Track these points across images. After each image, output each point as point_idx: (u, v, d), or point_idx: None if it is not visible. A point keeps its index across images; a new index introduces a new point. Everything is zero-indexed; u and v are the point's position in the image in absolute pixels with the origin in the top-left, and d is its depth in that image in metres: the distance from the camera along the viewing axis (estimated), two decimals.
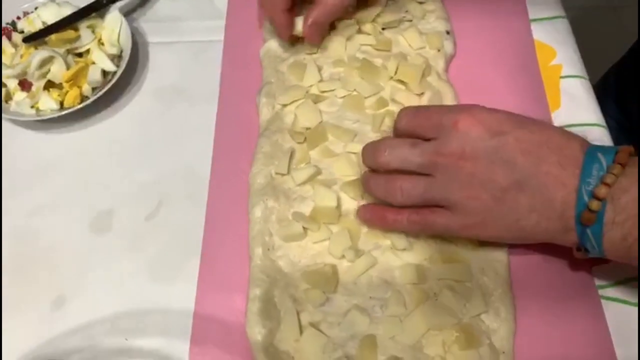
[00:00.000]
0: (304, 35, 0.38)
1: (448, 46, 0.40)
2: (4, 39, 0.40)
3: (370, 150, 0.32)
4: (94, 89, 0.39)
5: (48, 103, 0.37)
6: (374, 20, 0.40)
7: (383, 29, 0.40)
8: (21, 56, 0.39)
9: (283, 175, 0.35)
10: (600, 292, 0.31)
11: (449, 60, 0.40)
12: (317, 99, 0.37)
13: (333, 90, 0.38)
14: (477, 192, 0.28)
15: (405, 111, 0.32)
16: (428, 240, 0.32)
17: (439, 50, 0.40)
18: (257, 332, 0.30)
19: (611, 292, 0.32)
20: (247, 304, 0.31)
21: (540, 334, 0.30)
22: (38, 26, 0.40)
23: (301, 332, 0.30)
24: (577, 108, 0.39)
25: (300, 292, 0.31)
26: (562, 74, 0.41)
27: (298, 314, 0.30)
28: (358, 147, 0.35)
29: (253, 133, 0.37)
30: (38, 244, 0.34)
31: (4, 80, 0.38)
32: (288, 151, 0.35)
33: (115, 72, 0.39)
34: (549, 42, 0.42)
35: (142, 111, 0.39)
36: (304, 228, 0.32)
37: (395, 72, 0.38)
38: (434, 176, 0.29)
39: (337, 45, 0.39)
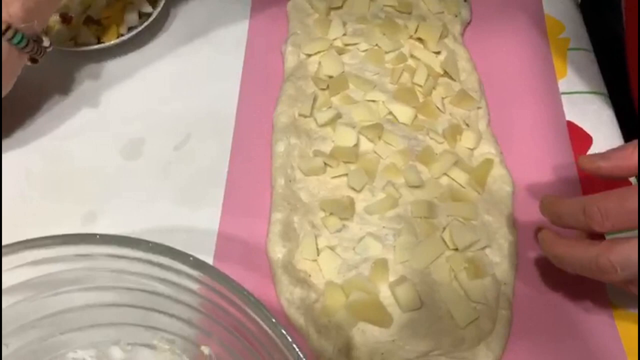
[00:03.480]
0: None
1: (465, 12, 0.43)
2: None
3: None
4: (130, 28, 0.41)
5: (87, 37, 0.39)
6: None
7: None
8: None
9: (306, 117, 0.37)
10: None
11: (464, 25, 0.43)
12: (340, 51, 0.40)
13: (356, 44, 0.40)
14: None
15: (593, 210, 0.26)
16: (439, 180, 0.35)
17: (456, 16, 0.42)
18: (277, 251, 0.32)
19: None
20: (268, 226, 0.33)
21: (539, 271, 0.33)
22: None
23: (318, 253, 0.32)
24: (581, 77, 0.42)
25: (318, 219, 0.33)
26: (570, 47, 0.44)
27: (315, 238, 0.32)
28: (377, 96, 0.38)
29: (278, 79, 0.40)
30: (71, 164, 0.36)
31: None
32: (311, 95, 0.38)
33: (150, 14, 0.41)
34: (558, 17, 0.45)
35: (173, 53, 0.41)
36: (324, 163, 0.35)
37: (415, 31, 0.40)
38: None
39: (361, 3, 0.42)
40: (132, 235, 0.33)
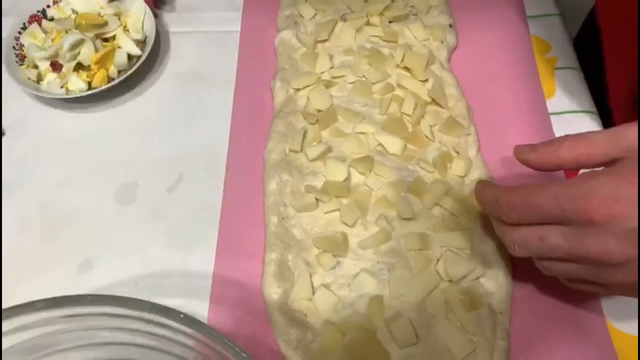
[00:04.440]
0: None
1: (450, 38, 0.43)
2: (34, 25, 0.43)
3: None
4: (119, 71, 0.41)
5: (77, 83, 0.40)
6: (381, 14, 0.43)
7: (390, 22, 0.43)
8: (52, 40, 0.41)
9: (296, 152, 0.37)
10: None
11: (451, 51, 0.43)
12: (328, 84, 0.40)
13: (343, 76, 0.41)
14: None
15: (508, 198, 0.27)
16: (432, 210, 0.35)
17: (442, 42, 0.43)
18: (272, 292, 0.32)
19: None
20: (263, 267, 0.33)
21: (535, 298, 0.32)
22: (68, 13, 0.43)
23: (313, 292, 0.32)
24: (570, 97, 0.42)
25: (312, 257, 0.33)
26: (557, 66, 0.44)
27: (310, 276, 0.33)
28: (366, 128, 0.38)
29: (268, 115, 0.40)
30: (65, 213, 0.37)
31: (36, 62, 0.41)
32: (301, 130, 0.38)
33: (139, 57, 0.41)
34: (544, 37, 0.45)
35: (163, 94, 0.42)
36: (316, 199, 0.35)
37: (402, 60, 0.41)
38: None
39: (347, 36, 0.42)
40: (129, 281, 0.34)
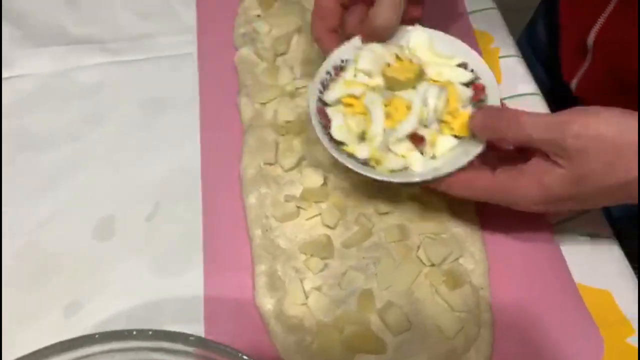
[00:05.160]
0: (373, 35, 0.34)
1: None
2: None
3: None
4: None
5: None
6: None
7: None
8: None
9: (271, 164, 0.38)
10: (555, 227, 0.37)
11: None
12: (293, 95, 0.41)
13: (306, 86, 0.42)
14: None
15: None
16: (407, 203, 0.36)
17: None
18: (266, 303, 0.33)
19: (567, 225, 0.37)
20: (254, 280, 0.34)
21: (509, 269, 0.35)
22: None
23: (306, 296, 0.33)
24: (515, 82, 0.45)
25: (300, 263, 0.34)
26: (501, 55, 0.47)
27: (301, 281, 0.34)
28: None
29: (236, 132, 0.41)
30: (45, 256, 0.36)
31: None
32: (273, 143, 0.39)
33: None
34: (486, 29, 0.49)
35: (130, 122, 0.42)
36: (297, 207, 0.36)
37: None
38: None
39: (305, 47, 0.44)
40: (119, 316, 0.34)
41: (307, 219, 0.36)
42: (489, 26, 0.49)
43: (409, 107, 0.33)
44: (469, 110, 0.33)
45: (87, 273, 0.35)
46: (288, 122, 0.40)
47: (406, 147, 0.32)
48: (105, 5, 0.48)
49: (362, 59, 0.34)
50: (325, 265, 0.34)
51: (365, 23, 0.35)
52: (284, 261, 0.34)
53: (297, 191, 0.37)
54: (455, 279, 0.33)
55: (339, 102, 0.35)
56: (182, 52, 0.46)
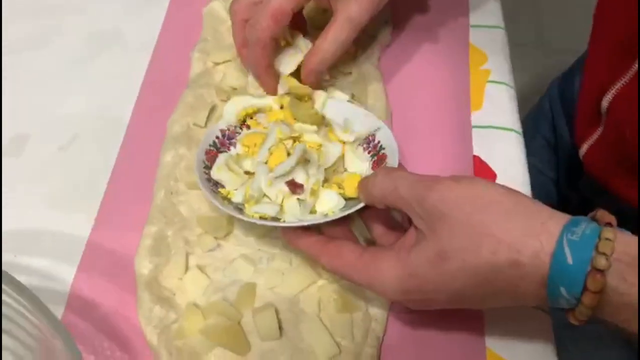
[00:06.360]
0: (303, 80, 0.35)
1: (384, 35, 0.42)
2: None
3: None
4: None
5: None
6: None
7: (325, 10, 0.42)
8: None
9: (200, 127, 0.36)
10: None
11: (383, 48, 0.42)
12: None
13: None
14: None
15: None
16: None
17: (374, 37, 0.42)
18: (143, 266, 0.31)
19: None
20: (140, 240, 0.32)
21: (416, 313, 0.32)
22: None
23: (186, 271, 0.31)
24: (496, 112, 0.41)
25: (193, 236, 0.32)
26: (490, 79, 0.43)
27: (187, 255, 0.31)
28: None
29: (180, 86, 0.38)
30: None
31: None
32: (209, 105, 0.36)
33: None
34: (482, 47, 0.44)
35: (75, 50, 0.40)
36: None
37: None
38: None
39: None
40: None
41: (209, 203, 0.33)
42: (487, 45, 0.45)
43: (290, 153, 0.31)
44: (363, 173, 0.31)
45: None
46: (233, 88, 0.37)
47: (281, 191, 0.30)
48: None
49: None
50: (218, 246, 0.32)
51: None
52: (177, 229, 0.32)
53: None
54: (347, 302, 0.30)
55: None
56: None
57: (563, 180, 0.53)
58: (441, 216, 0.24)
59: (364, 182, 0.29)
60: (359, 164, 0.33)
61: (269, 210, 0.30)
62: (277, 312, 0.30)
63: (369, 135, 0.34)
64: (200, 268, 0.31)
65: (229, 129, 0.34)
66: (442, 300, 0.26)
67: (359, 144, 0.34)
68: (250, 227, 0.32)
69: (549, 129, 0.55)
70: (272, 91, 0.35)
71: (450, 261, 0.24)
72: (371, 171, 0.32)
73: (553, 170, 0.54)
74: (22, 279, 0.28)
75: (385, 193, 0.27)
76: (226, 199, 0.31)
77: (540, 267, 0.23)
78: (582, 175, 0.46)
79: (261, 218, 0.30)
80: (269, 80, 0.35)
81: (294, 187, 0.30)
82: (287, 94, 0.35)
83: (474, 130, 0.40)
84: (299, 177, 0.31)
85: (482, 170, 0.38)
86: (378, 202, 0.28)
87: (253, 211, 0.30)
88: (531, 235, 0.23)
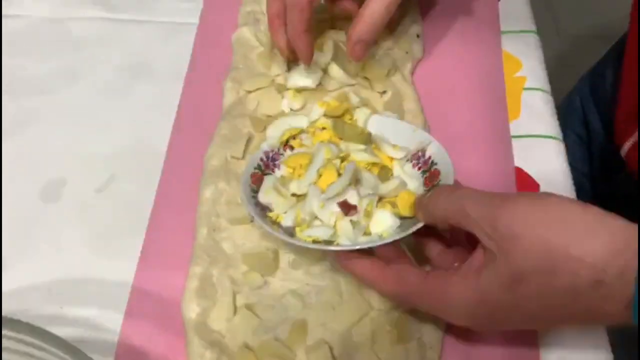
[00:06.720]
0: (349, 54, 0.35)
1: (417, 49, 0.41)
2: None
3: None
4: None
5: None
6: (347, 18, 0.41)
7: None
8: None
9: (238, 159, 0.35)
10: None
11: (416, 62, 0.41)
12: (280, 89, 0.38)
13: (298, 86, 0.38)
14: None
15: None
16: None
17: (407, 52, 0.40)
18: (191, 310, 0.30)
19: None
20: (185, 282, 0.31)
21: (468, 332, 0.30)
22: None
23: (235, 313, 0.30)
24: (535, 120, 0.40)
25: (239, 274, 0.31)
26: (526, 86, 0.42)
27: (234, 294, 0.31)
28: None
29: (215, 116, 0.38)
30: None
31: None
32: (245, 136, 0.36)
33: None
34: (516, 54, 0.43)
35: (105, 84, 0.39)
36: None
37: (362, 69, 0.38)
38: None
39: None
40: (43, 286, 0.32)
41: (259, 227, 0.33)
42: (521, 51, 0.43)
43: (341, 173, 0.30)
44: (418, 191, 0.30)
45: (23, 232, 0.33)
46: (268, 116, 0.37)
47: (333, 213, 0.29)
48: None
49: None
50: (265, 283, 0.31)
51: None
52: (222, 267, 0.31)
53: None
54: (402, 333, 0.29)
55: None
56: (183, 20, 0.43)
57: (597, 175, 0.51)
58: (514, 236, 0.23)
59: (424, 202, 0.28)
60: (410, 182, 0.31)
61: (322, 233, 0.29)
62: (330, 349, 0.29)
63: (418, 151, 0.32)
64: (249, 307, 0.30)
65: (272, 151, 0.33)
66: (514, 322, 0.25)
67: (407, 160, 0.33)
68: (300, 255, 0.32)
69: (580, 124, 0.53)
70: (306, 58, 0.35)
71: (525, 284, 0.23)
72: (423, 188, 0.31)
73: (586, 165, 0.52)
74: (69, 330, 0.29)
75: (449, 213, 0.26)
76: (275, 223, 0.30)
77: (626, 287, 0.21)
78: (620, 170, 0.45)
79: (314, 242, 0.29)
80: (304, 46, 0.34)
81: (347, 208, 0.29)
82: (325, 116, 0.34)
83: (513, 140, 0.39)
84: (351, 198, 0.29)
85: (525, 182, 0.37)
86: (440, 221, 0.27)
87: (305, 235, 0.29)
88: (615, 254, 0.21)
